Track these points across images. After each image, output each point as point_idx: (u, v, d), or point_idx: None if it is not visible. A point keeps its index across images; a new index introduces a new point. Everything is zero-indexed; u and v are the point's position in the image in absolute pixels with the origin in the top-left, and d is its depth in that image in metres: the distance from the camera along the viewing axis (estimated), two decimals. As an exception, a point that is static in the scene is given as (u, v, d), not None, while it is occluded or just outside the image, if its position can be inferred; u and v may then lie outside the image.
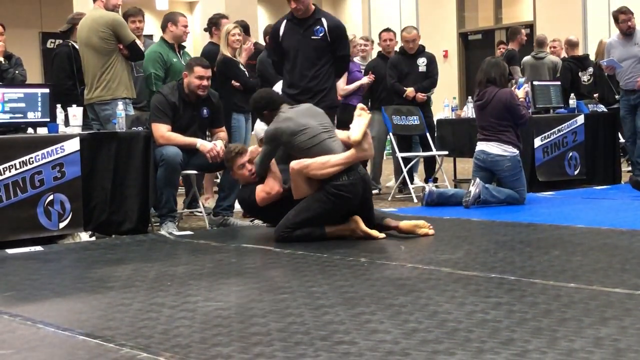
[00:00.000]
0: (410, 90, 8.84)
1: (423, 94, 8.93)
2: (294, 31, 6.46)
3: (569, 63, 10.87)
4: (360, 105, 6.16)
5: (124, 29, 6.96)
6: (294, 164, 5.65)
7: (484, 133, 7.60)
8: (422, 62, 9.04)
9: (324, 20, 6.53)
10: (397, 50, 9.44)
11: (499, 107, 7.49)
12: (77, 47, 7.27)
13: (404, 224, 5.80)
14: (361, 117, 5.88)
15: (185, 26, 7.55)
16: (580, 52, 11.30)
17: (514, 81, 9.83)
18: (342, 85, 8.74)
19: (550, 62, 10.98)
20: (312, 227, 5.68)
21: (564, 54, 11.33)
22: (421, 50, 9.11)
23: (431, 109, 9.31)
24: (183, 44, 7.73)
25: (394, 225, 5.82)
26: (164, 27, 7.58)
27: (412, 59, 9.02)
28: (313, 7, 6.64)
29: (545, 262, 4.70)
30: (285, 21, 6.50)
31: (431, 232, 5.76)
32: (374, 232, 5.69)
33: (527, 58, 11.13)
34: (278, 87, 6.97)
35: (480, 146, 7.57)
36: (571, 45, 11.13)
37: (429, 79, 9.06)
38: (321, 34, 6.49)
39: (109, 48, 6.90)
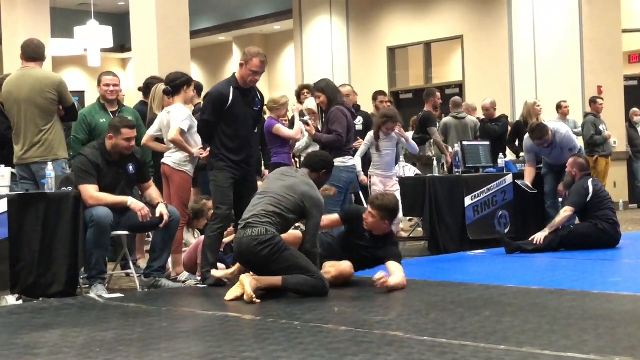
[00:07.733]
0: None
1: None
2: (241, 100, 6.69)
3: (488, 124, 11.37)
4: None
5: (67, 90, 7.04)
6: None
7: None
8: (358, 120, 9.11)
9: (258, 93, 6.86)
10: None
11: None
12: None
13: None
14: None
15: (107, 85, 7.62)
16: (509, 112, 11.71)
17: (431, 141, 10.08)
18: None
19: (471, 122, 11.45)
20: None
21: (479, 115, 11.89)
22: (357, 109, 9.21)
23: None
24: (123, 102, 7.79)
25: None
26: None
27: None
28: None
29: (476, 323, 4.74)
30: (232, 88, 6.62)
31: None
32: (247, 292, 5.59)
33: (448, 119, 11.42)
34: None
35: None
36: (494, 107, 11.60)
37: None
38: (259, 106, 6.91)
39: (53, 109, 6.89)
